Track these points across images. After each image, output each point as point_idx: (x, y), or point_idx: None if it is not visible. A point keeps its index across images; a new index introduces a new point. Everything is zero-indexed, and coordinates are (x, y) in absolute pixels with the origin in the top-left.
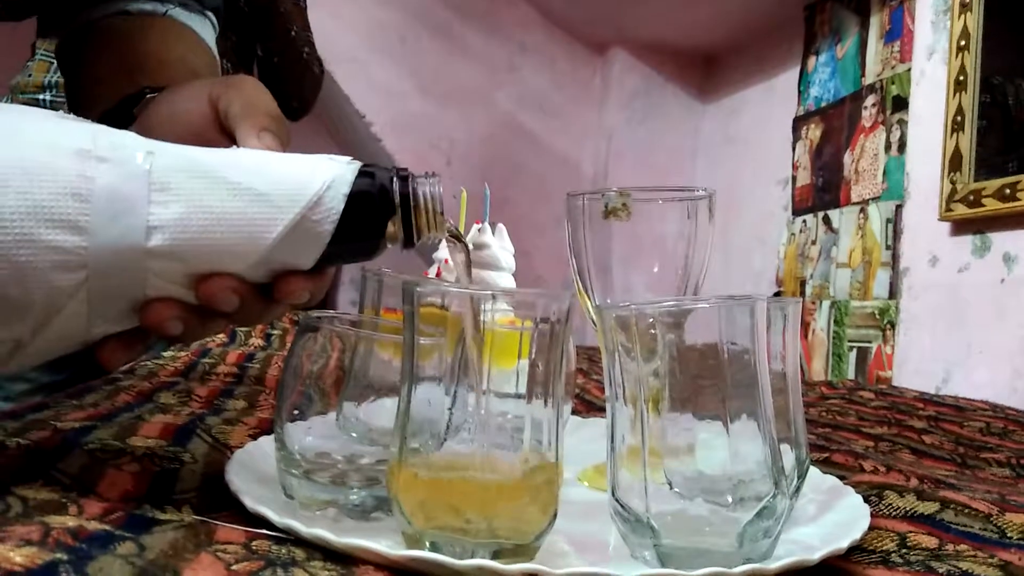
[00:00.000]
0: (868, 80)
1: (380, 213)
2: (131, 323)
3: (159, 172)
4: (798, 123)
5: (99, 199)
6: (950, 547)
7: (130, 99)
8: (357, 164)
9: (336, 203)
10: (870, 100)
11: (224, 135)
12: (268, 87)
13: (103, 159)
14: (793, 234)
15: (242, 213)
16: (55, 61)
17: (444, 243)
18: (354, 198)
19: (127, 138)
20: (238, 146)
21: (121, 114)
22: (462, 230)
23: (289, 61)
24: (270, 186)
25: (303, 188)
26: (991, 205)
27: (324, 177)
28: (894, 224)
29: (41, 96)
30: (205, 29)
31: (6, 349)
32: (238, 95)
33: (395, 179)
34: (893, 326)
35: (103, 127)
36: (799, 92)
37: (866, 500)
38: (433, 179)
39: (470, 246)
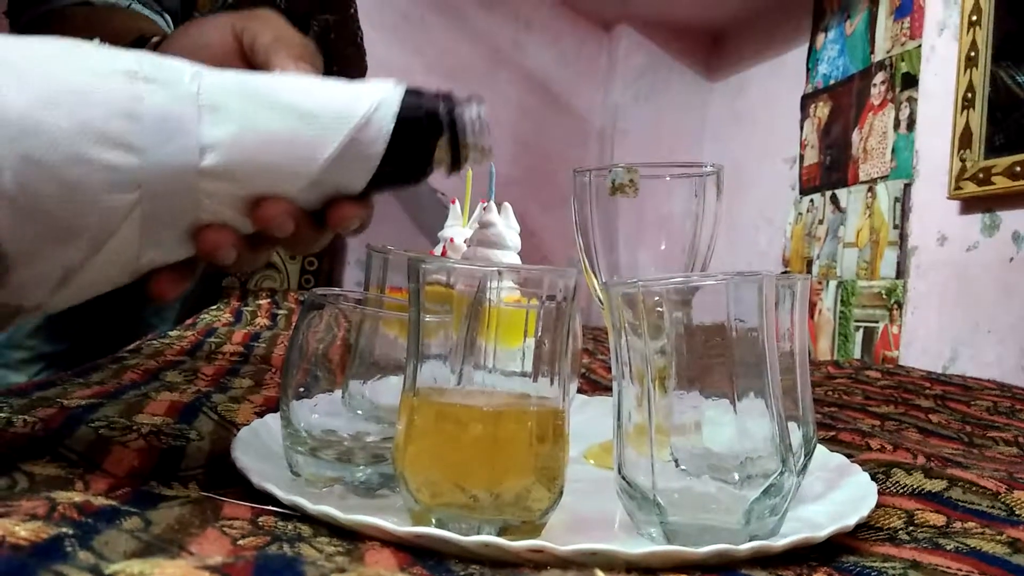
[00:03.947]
0: (877, 57)
1: (428, 134)
2: (181, 253)
3: (208, 93)
4: (806, 101)
5: (149, 119)
6: (958, 524)
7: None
8: (403, 86)
9: (386, 123)
10: (879, 77)
11: (248, 68)
12: None
13: (151, 80)
14: (800, 213)
15: (294, 133)
16: None
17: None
18: (403, 119)
19: (172, 61)
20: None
21: None
22: (467, 210)
23: (344, 41)
24: (319, 107)
25: (352, 109)
26: (1001, 183)
27: (372, 98)
28: (902, 203)
29: None
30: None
31: (55, 278)
32: (265, 26)
33: (442, 102)
34: (900, 306)
35: (145, 52)
36: (807, 69)
37: (873, 478)
38: (478, 103)
39: (475, 225)
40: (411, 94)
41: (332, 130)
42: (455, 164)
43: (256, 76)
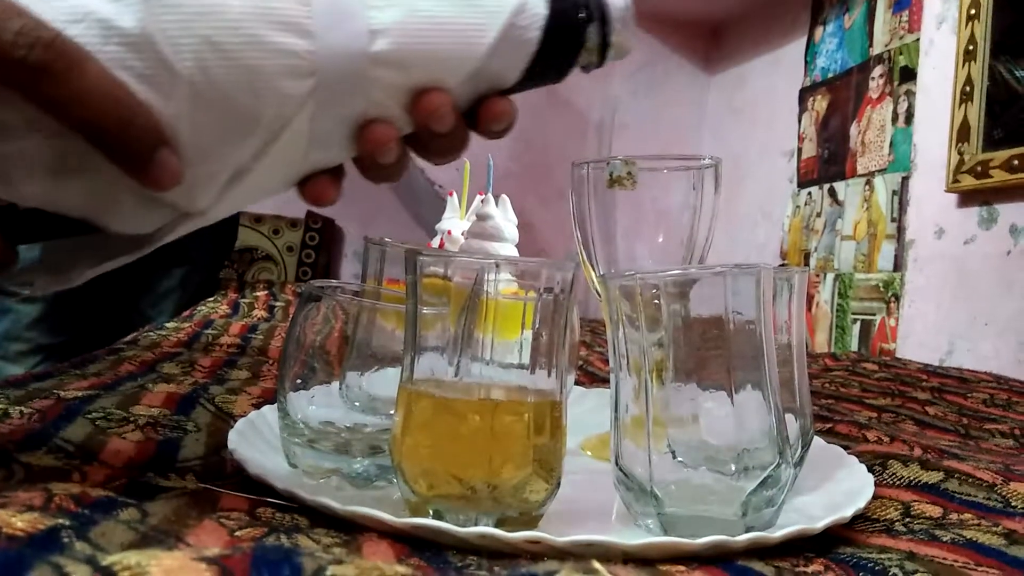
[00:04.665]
0: (876, 50)
1: (579, 22)
2: (343, 153)
3: None
4: (804, 94)
5: (319, 2)
6: (954, 516)
7: None
8: None
9: (540, 8)
10: (877, 71)
11: None
12: None
13: None
14: (798, 206)
15: (456, 18)
16: None
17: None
18: (554, 5)
19: None
20: None
21: None
22: (465, 203)
23: None
24: None
25: None
26: (999, 176)
27: None
28: (900, 196)
29: None
30: None
31: (224, 179)
32: None
33: None
34: (897, 298)
35: None
36: (806, 63)
37: (870, 470)
38: None
39: (473, 218)
40: None
41: (492, 15)
42: (601, 56)
43: None
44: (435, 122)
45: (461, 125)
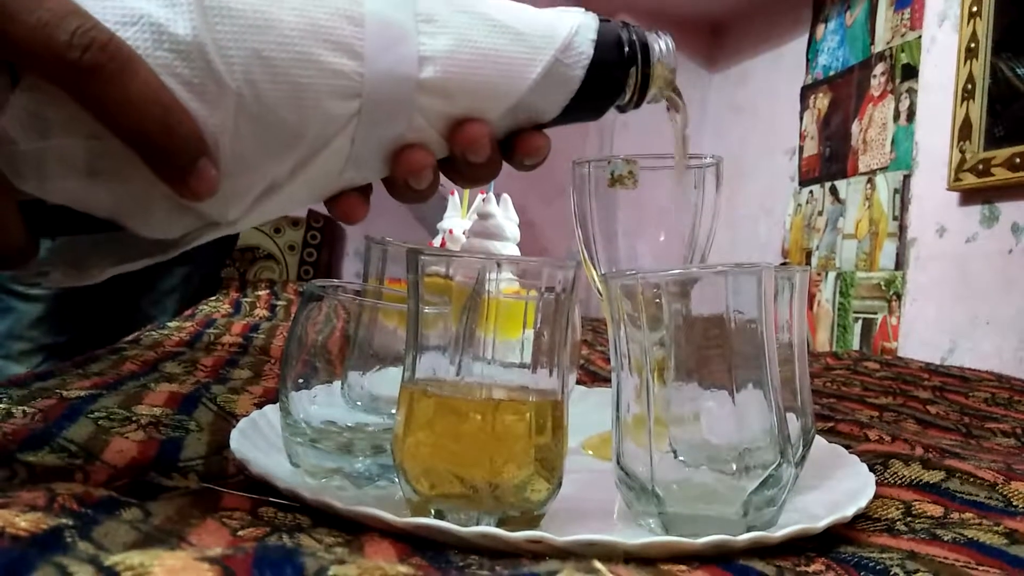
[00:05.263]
0: (877, 48)
1: (623, 62)
2: (376, 173)
3: (423, 2)
4: (806, 92)
5: (371, 24)
6: (955, 515)
7: None
8: (593, 13)
9: (585, 47)
10: (879, 68)
11: None
12: None
13: None
14: (800, 204)
15: (504, 51)
16: None
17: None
18: (600, 45)
19: None
20: None
21: None
22: (466, 201)
23: None
24: (525, 26)
25: (554, 30)
26: (1000, 175)
27: (571, 22)
28: (902, 194)
29: None
30: None
31: (258, 192)
32: None
33: (632, 31)
34: (899, 297)
35: None
36: (807, 61)
37: (871, 469)
38: (665, 35)
39: (475, 217)
40: (603, 21)
41: (539, 50)
42: (640, 99)
43: None
44: (473, 153)
45: (496, 155)
